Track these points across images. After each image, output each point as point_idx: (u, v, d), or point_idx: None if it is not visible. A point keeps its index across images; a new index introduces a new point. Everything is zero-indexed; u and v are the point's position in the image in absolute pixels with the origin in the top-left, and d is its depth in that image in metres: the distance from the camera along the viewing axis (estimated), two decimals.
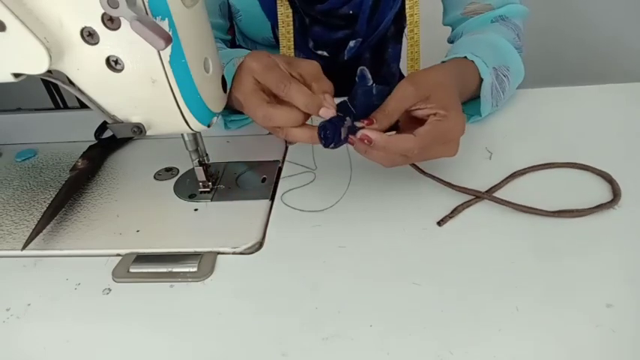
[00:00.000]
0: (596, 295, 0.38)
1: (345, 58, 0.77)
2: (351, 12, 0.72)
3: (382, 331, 0.37)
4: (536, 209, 0.45)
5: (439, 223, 0.45)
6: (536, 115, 0.60)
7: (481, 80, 0.55)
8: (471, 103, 0.58)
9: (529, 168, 0.51)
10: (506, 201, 0.46)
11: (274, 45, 0.79)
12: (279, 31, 0.75)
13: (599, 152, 0.52)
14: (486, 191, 0.48)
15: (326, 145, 0.43)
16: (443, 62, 0.56)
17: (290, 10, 0.74)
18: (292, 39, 0.75)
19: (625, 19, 1.58)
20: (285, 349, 0.36)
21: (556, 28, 1.67)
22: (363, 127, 0.43)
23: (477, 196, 0.48)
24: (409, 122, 0.46)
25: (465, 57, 0.55)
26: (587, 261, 0.41)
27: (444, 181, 0.49)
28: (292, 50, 0.76)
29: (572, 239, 0.43)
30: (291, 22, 0.75)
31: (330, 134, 0.43)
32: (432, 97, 0.44)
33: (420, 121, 0.44)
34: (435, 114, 0.44)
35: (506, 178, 0.50)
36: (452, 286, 0.40)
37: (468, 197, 0.48)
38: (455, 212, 0.46)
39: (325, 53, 0.77)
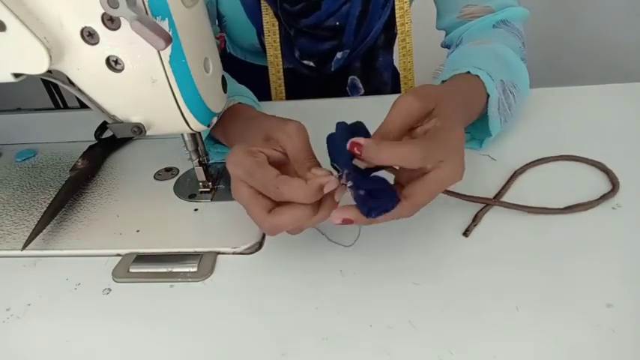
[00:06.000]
0: (595, 295, 0.38)
1: (332, 69, 0.75)
2: (337, 23, 0.71)
3: (382, 331, 0.37)
4: (547, 209, 0.45)
5: (465, 234, 0.44)
6: (536, 116, 0.60)
7: (488, 95, 0.49)
8: (476, 123, 0.52)
9: (527, 165, 0.51)
10: (516, 205, 0.46)
11: (260, 51, 0.77)
12: (264, 39, 0.74)
13: (599, 153, 0.52)
14: (494, 197, 0.48)
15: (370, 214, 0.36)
16: (443, 81, 0.51)
17: (275, 19, 0.73)
18: (279, 47, 0.74)
19: (625, 19, 1.58)
20: (285, 349, 0.36)
21: (556, 29, 1.67)
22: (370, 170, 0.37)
23: (488, 203, 0.47)
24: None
25: (468, 72, 0.49)
26: (586, 260, 0.41)
27: (454, 193, 0.47)
28: (280, 59, 0.75)
29: (572, 239, 0.43)
30: (277, 31, 0.73)
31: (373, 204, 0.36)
32: (437, 109, 0.39)
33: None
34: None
35: (509, 179, 0.50)
36: (452, 286, 0.40)
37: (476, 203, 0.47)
38: (477, 220, 0.45)
39: (312, 64, 0.75)
